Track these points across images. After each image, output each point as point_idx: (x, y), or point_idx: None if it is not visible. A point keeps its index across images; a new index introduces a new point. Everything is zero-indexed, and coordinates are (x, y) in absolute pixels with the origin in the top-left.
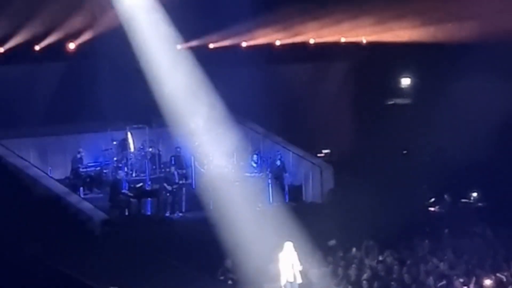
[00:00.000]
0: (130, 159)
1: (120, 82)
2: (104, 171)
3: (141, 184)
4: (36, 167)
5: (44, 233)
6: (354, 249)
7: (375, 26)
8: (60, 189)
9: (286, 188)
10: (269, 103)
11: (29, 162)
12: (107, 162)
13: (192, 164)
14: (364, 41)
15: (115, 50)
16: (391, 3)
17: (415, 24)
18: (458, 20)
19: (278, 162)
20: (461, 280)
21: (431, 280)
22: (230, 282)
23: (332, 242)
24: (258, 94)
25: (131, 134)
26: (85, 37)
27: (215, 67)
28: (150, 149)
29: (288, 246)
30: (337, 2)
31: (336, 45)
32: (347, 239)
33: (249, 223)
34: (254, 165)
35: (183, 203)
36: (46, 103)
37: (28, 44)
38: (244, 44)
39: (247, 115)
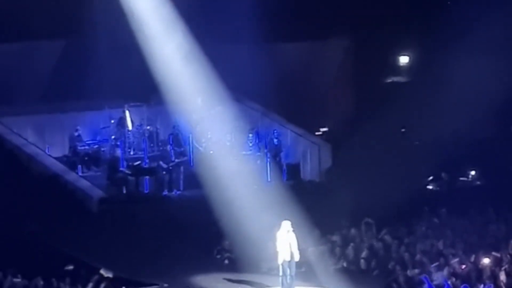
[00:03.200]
0: (128, 137)
1: (118, 60)
2: (102, 149)
3: (139, 162)
4: (34, 145)
5: (42, 211)
6: (352, 228)
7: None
8: (58, 167)
9: (284, 167)
10: (268, 81)
11: (27, 140)
12: (105, 140)
13: (190, 142)
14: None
15: (113, 28)
16: None
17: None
18: None
19: (275, 141)
20: (459, 258)
21: (428, 259)
22: (226, 261)
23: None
24: (256, 72)
25: (129, 112)
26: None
27: (214, 44)
28: (148, 127)
29: (286, 225)
30: None
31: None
32: (345, 218)
33: (246, 202)
34: (252, 143)
35: (181, 181)
36: (43, 81)
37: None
38: None
39: (245, 93)
